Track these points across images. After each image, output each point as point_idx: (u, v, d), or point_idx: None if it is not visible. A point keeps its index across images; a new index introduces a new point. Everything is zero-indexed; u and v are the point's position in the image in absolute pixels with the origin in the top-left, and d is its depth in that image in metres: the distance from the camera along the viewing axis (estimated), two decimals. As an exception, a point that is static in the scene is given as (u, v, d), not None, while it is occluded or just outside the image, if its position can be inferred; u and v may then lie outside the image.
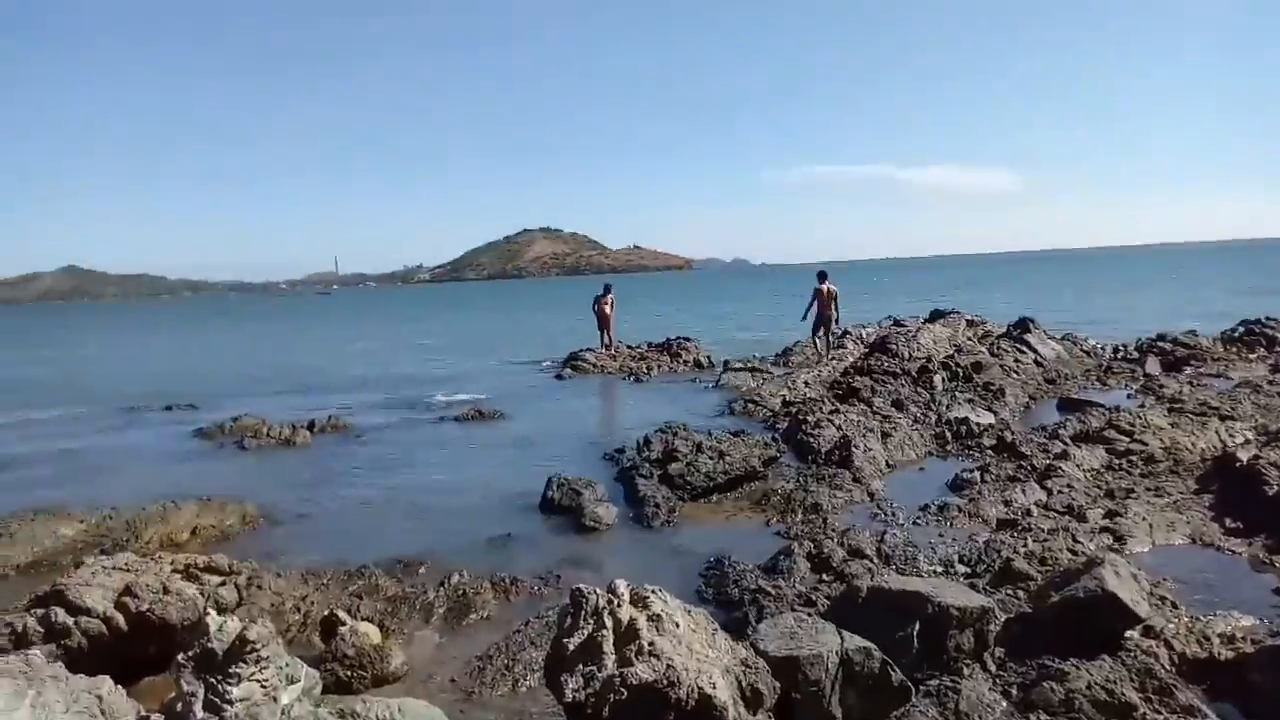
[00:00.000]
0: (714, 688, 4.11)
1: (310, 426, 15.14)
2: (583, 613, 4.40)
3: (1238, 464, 8.28)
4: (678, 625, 4.38)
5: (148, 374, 29.08)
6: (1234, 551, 6.91)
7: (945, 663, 4.97)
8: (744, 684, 4.32)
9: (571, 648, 4.30)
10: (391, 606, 6.94)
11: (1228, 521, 7.41)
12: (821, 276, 19.73)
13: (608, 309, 23.95)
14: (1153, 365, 17.30)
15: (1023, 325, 18.59)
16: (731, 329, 33.80)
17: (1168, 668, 4.82)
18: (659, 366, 21.87)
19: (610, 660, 4.20)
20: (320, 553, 8.35)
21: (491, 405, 16.61)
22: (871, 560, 7.13)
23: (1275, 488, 7.40)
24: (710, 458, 10.14)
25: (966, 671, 4.93)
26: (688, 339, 24.74)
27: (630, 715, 4.06)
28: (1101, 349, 20.08)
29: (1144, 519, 7.49)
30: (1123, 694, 4.44)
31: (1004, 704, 4.67)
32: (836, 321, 20.11)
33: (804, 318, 20.45)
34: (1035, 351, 17.32)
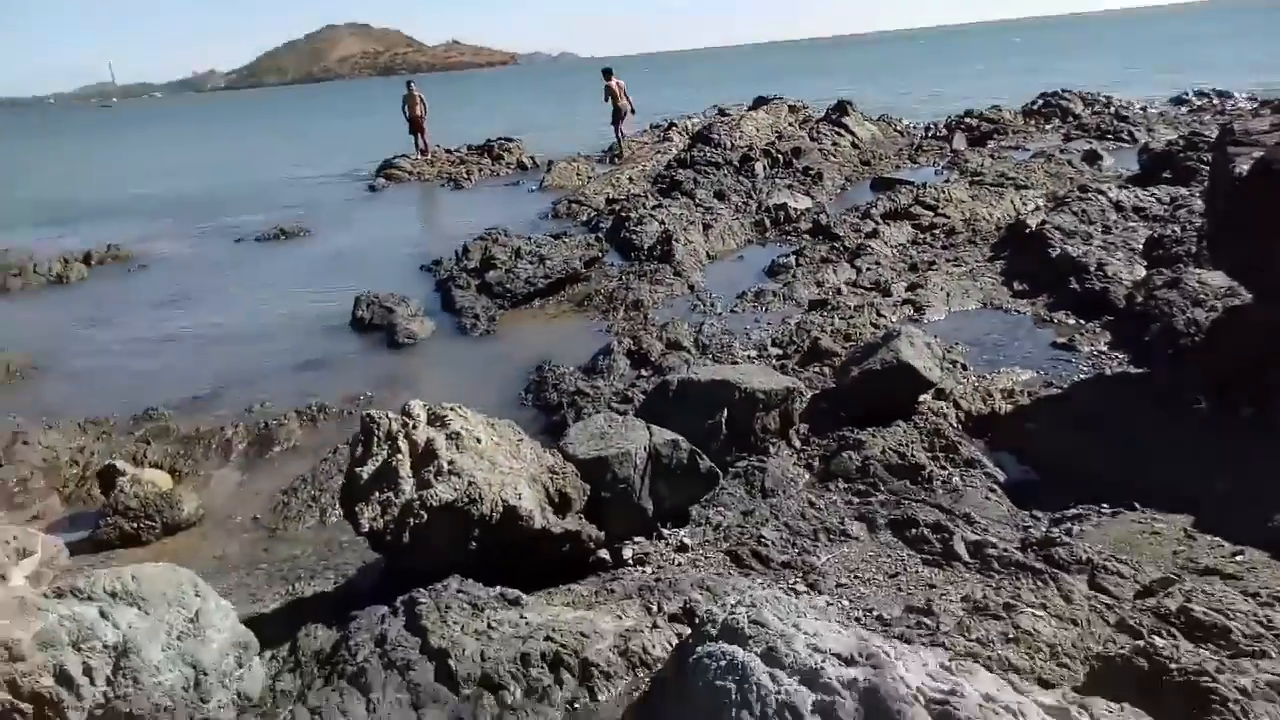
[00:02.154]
0: (519, 498, 3.99)
1: (86, 259, 13.54)
2: (375, 439, 4.11)
3: (1027, 230, 8.73)
4: (479, 441, 4.18)
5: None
6: (1019, 312, 7.38)
7: (753, 444, 5.08)
8: (551, 490, 4.22)
9: (365, 476, 4.03)
10: (185, 448, 6.42)
11: (1016, 285, 7.87)
12: (607, 74, 19.84)
13: (419, 110, 22.19)
14: (959, 141, 17.93)
15: (840, 108, 18.66)
16: (556, 127, 32.40)
17: (955, 426, 5.11)
18: (480, 170, 20.78)
19: (408, 484, 3.97)
20: (103, 399, 7.57)
21: (296, 222, 15.34)
22: (689, 352, 7.16)
23: (1058, 249, 7.87)
24: (530, 262, 9.77)
25: (773, 450, 5.06)
26: (510, 139, 23.50)
27: (434, 537, 3.90)
28: (914, 128, 20.59)
29: (942, 288, 7.83)
30: (912, 455, 4.67)
31: (807, 476, 4.85)
32: (632, 111, 20.12)
33: (605, 99, 20.10)
34: (852, 134, 17.52)
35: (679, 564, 4.17)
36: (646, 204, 12.30)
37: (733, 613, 2.58)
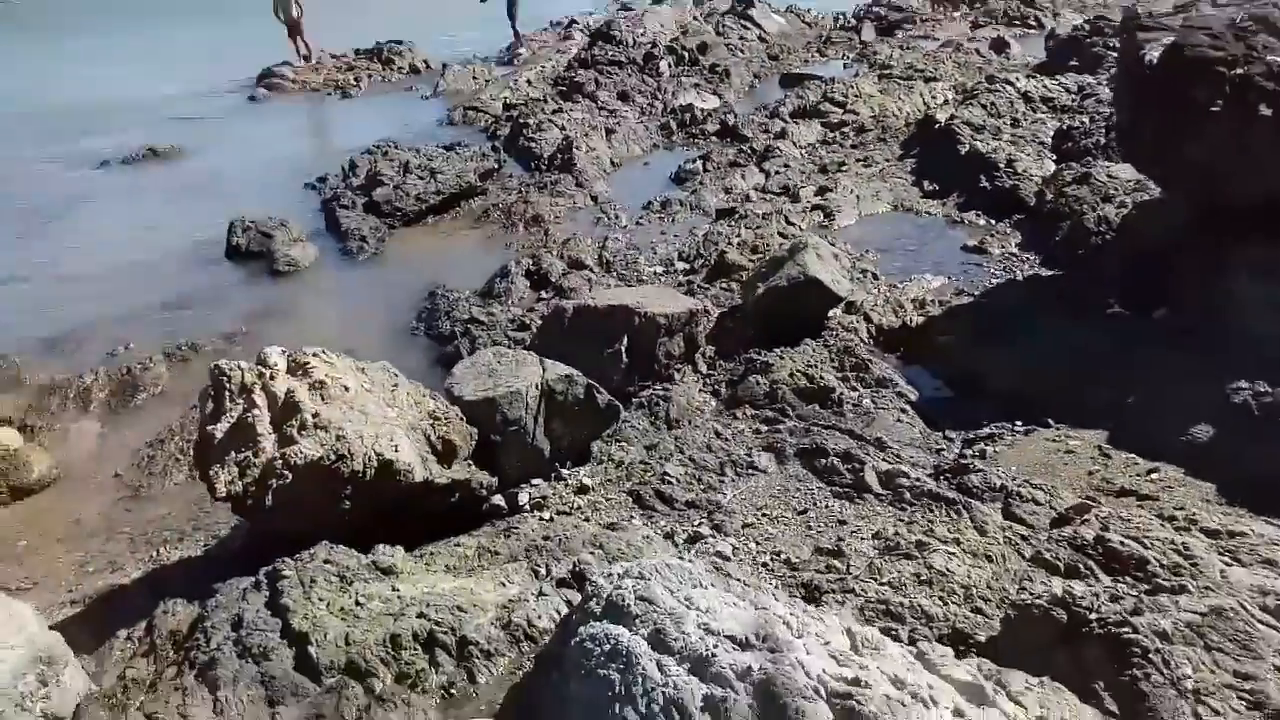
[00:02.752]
0: (395, 450, 3.61)
1: (-75, 191, 12.16)
2: (227, 393, 3.65)
3: (936, 125, 8.47)
4: (347, 389, 3.75)
5: None
6: (930, 214, 7.17)
7: (657, 371, 4.78)
8: (434, 438, 3.85)
9: (220, 435, 3.58)
10: (38, 399, 5.79)
11: (926, 184, 7.64)
12: None
13: (294, 12, 20.41)
14: (868, 32, 17.46)
15: (747, 0, 17.91)
16: (446, 24, 30.56)
17: (866, 342, 4.90)
18: (369, 77, 19.35)
19: (269, 442, 3.55)
20: (-59, 347, 6.79)
21: (169, 140, 14.04)
22: (592, 270, 6.76)
23: (967, 146, 7.64)
24: (420, 177, 9.10)
25: (678, 377, 4.78)
26: (400, 42, 21.93)
27: (302, 498, 3.51)
28: (822, 19, 19.98)
29: (851, 191, 7.56)
30: (821, 377, 4.44)
31: (714, 403, 4.59)
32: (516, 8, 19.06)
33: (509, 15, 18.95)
34: (759, 27, 16.87)
35: (579, 507, 3.89)
36: (546, 109, 11.60)
37: (619, 586, 2.29)
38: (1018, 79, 9.43)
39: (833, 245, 5.38)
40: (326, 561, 3.06)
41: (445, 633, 2.64)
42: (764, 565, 3.17)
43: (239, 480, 3.46)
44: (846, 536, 3.26)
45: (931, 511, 3.30)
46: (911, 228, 6.97)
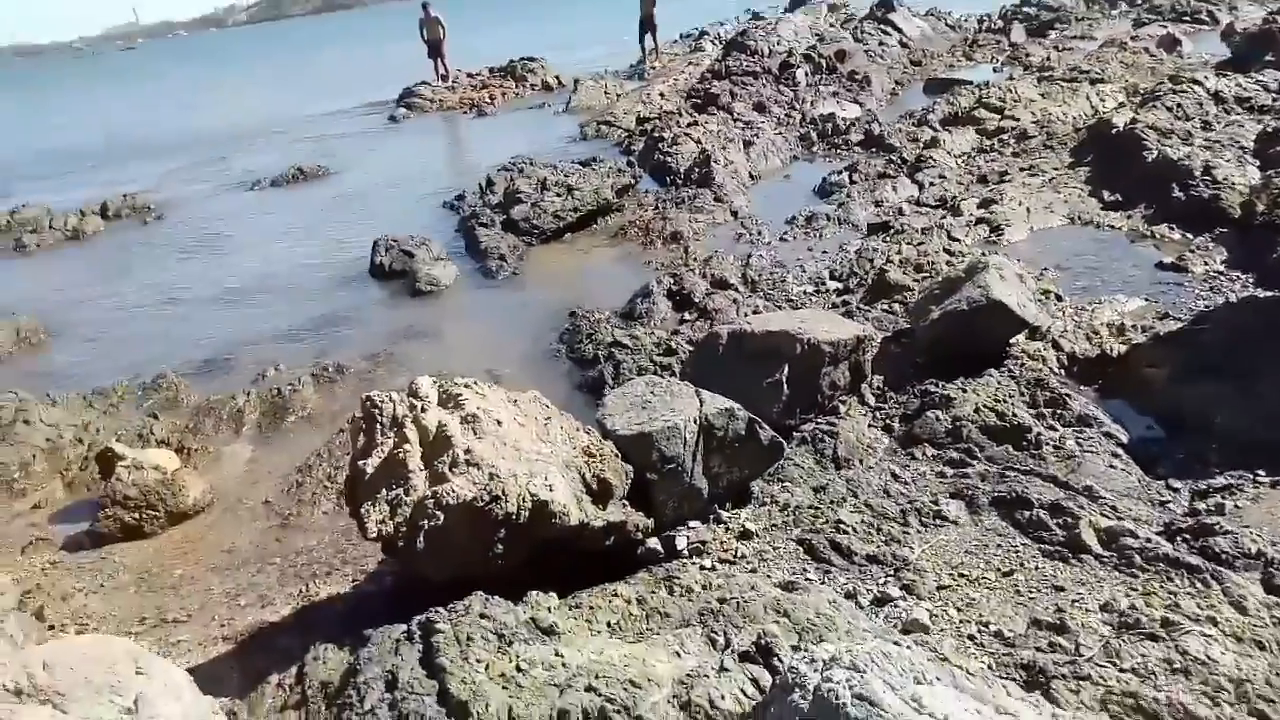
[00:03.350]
0: (550, 490, 3.37)
1: (102, 211, 13.02)
2: (378, 425, 3.50)
3: (1113, 130, 7.72)
4: (499, 423, 3.55)
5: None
6: (1113, 227, 6.48)
7: (820, 404, 4.39)
8: (589, 477, 3.60)
9: (370, 470, 3.44)
10: (194, 420, 5.92)
11: (1105, 195, 6.94)
12: None
13: (438, 33, 21.07)
14: (1018, 33, 16.48)
15: (886, 4, 17.25)
16: (582, 42, 30.96)
17: (1059, 374, 4.36)
18: (503, 94, 19.78)
19: (420, 479, 3.37)
20: (113, 365, 7.10)
21: (315, 161, 14.63)
22: (737, 289, 6.43)
23: (1154, 153, 6.89)
24: (558, 195, 9.01)
25: (844, 410, 4.37)
26: (534, 59, 22.30)
27: (453, 540, 3.32)
28: (966, 21, 19.07)
29: (1020, 204, 6.94)
30: (1014, 414, 3.95)
31: (886, 441, 4.16)
32: (656, 25, 18.97)
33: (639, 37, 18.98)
34: (900, 31, 16.20)
35: (743, 555, 3.55)
36: (680, 122, 11.37)
37: (828, 678, 1.94)
38: (1206, 78, 8.52)
39: (1015, 265, 4.84)
40: (483, 616, 2.84)
41: (618, 711, 2.35)
42: (969, 638, 2.74)
43: (390, 520, 3.29)
44: (1068, 607, 2.79)
45: (1170, 580, 2.79)
46: (1093, 243, 6.31)
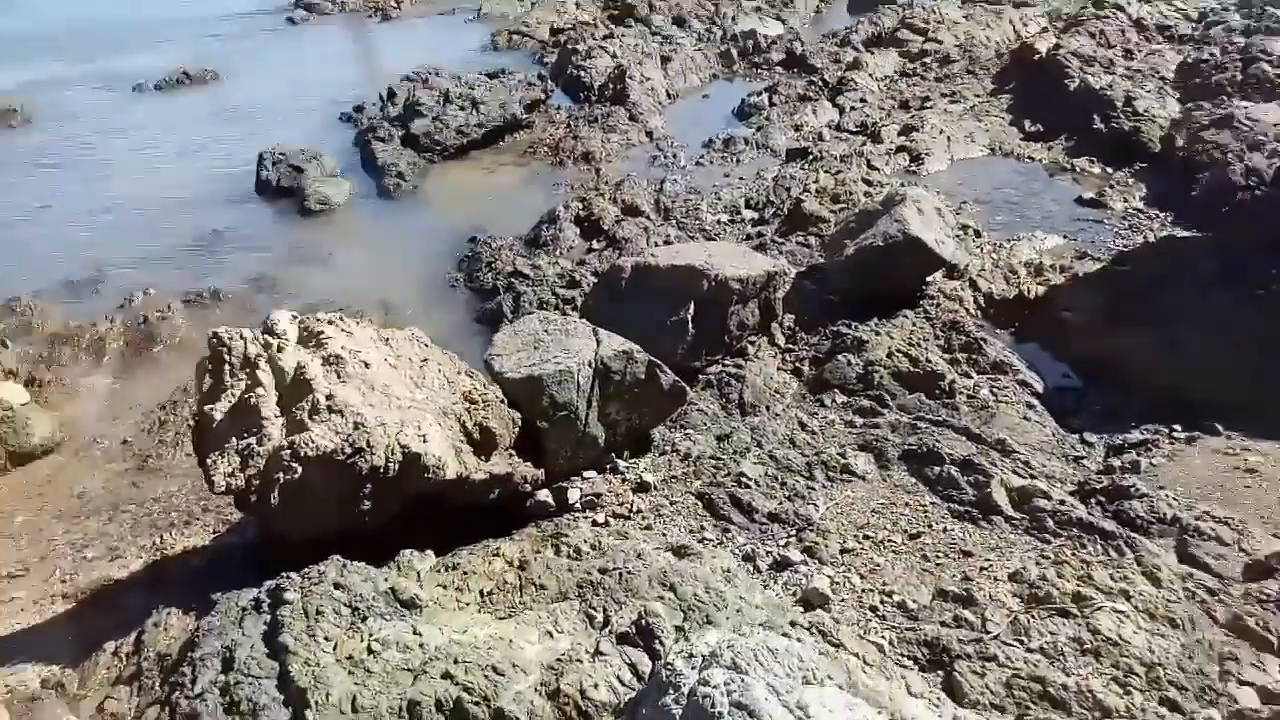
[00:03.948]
0: (424, 441, 3.03)
1: (-41, 113, 11.74)
2: (227, 366, 3.08)
3: (1036, 57, 7.51)
4: (367, 365, 3.16)
5: None
6: (1033, 159, 6.32)
7: (728, 344, 4.12)
8: (470, 424, 3.26)
9: (219, 416, 3.03)
10: (50, 349, 5.32)
11: (1027, 125, 6.76)
12: None
13: (340, -73, 19.46)
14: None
15: (815, -84, 16.55)
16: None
17: (974, 314, 4.18)
18: (412, -2, 18.49)
19: (275, 427, 2.98)
20: (-43, 285, 6.36)
21: (202, 64, 13.42)
22: (649, 217, 6.06)
23: (1076, 81, 6.71)
24: (462, 108, 8.39)
25: (752, 351, 4.12)
26: (445, -40, 20.91)
27: (313, 495, 2.96)
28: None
29: (941, 132, 6.71)
30: (927, 359, 3.75)
31: (795, 385, 3.94)
32: None
33: None
34: (828, -54, 15.58)
35: (639, 510, 3.30)
36: (596, 34, 10.75)
37: (706, 680, 1.69)
38: (1128, 3, 8.36)
39: (935, 198, 4.60)
40: (337, 586, 2.52)
41: (476, 702, 2.08)
42: (871, 609, 2.55)
43: (240, 472, 2.92)
44: (975, 575, 2.63)
45: (1083, 548, 2.65)
46: (1014, 175, 6.13)
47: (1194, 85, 6.31)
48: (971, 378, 3.65)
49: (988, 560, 2.68)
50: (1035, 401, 3.52)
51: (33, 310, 5.77)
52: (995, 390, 3.56)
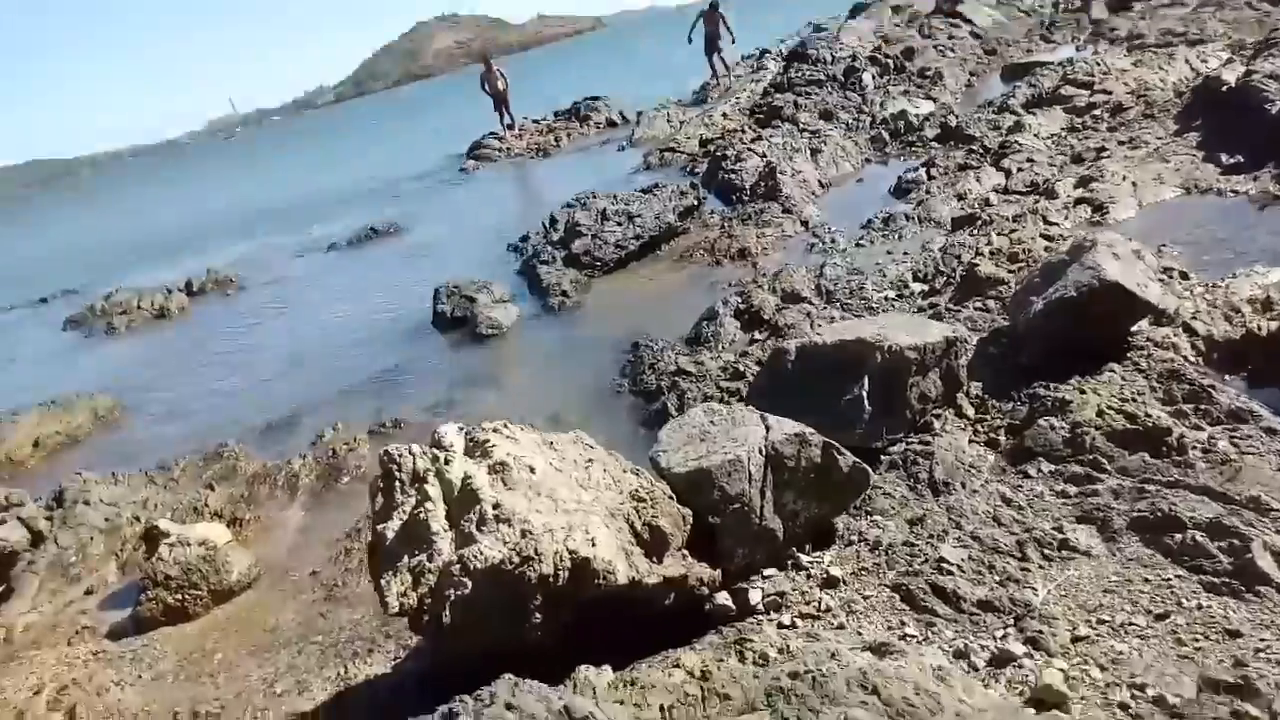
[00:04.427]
0: (592, 545, 2.90)
1: (187, 289, 13.38)
2: (398, 483, 3.11)
3: (1224, 88, 6.86)
4: (532, 470, 3.10)
5: (35, 261, 26.39)
6: (1237, 192, 5.66)
7: (910, 420, 3.79)
8: (639, 525, 3.11)
9: (391, 535, 3.04)
10: (249, 489, 5.70)
11: (1224, 158, 6.11)
12: (713, 6, 17.93)
13: (499, 85, 21.24)
14: (1098, 9, 15.42)
15: (952, -4, 16.45)
16: (644, 80, 31.01)
17: (1194, 361, 3.65)
18: (569, 135, 19.73)
19: (444, 541, 2.95)
20: (180, 438, 7.02)
21: (388, 220, 14.76)
22: (810, 301, 5.87)
23: (1277, 103, 6.03)
24: (618, 223, 8.65)
25: (938, 425, 3.77)
26: (597, 98, 22.29)
27: (484, 609, 2.87)
28: (1041, 5, 18.05)
29: (1124, 178, 6.17)
30: (1148, 414, 3.27)
31: (991, 458, 3.54)
32: (733, 41, 18.33)
33: (689, 39, 18.53)
34: (969, 22, 15.37)
35: (829, 609, 2.99)
36: (744, 138, 10.91)
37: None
38: (1327, 17, 7.56)
39: (1129, 242, 4.14)
40: (509, 707, 2.36)
41: (661, 833, 1.83)
42: (1122, 708, 2.12)
43: (412, 591, 2.88)
44: (1250, 659, 2.14)
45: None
46: (1217, 211, 5.51)
47: None
48: (1204, 430, 3.14)
49: (1262, 640, 2.18)
50: (1294, 451, 2.96)
51: (237, 454, 6.23)
52: (1236, 441, 3.02)
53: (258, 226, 20.00)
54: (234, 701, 3.61)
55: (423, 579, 2.90)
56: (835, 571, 3.17)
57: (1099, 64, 9.21)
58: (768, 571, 3.30)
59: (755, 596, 3.19)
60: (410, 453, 3.13)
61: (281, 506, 5.44)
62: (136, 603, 4.44)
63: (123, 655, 4.17)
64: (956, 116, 9.66)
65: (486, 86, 21.31)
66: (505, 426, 3.28)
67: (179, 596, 4.38)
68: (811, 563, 3.27)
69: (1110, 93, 8.50)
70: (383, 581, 2.94)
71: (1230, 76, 6.97)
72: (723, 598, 3.22)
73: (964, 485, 3.37)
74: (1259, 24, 9.96)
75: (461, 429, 3.27)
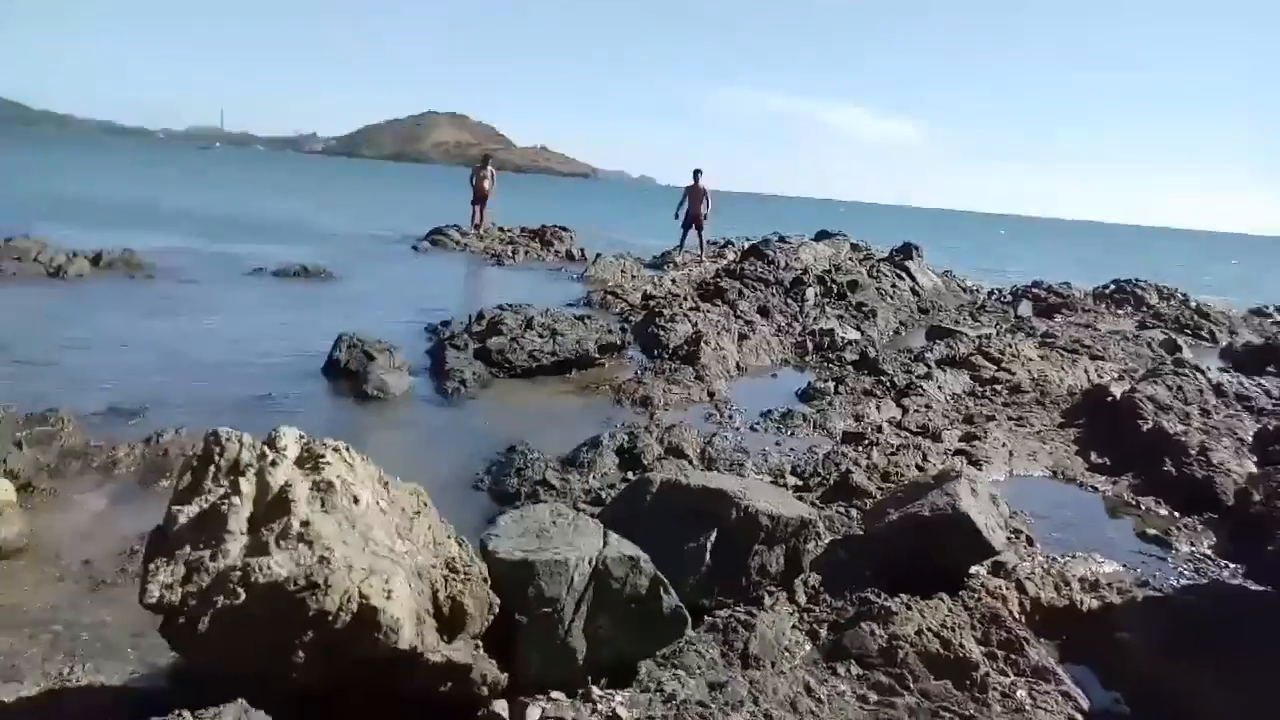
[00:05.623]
0: (387, 597, 2.73)
1: (96, 260, 12.84)
2: (212, 468, 2.92)
3: (1109, 398, 7.47)
4: (357, 501, 2.96)
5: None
6: (1097, 489, 6.05)
7: (744, 588, 3.77)
8: (442, 595, 2.96)
9: (182, 520, 2.82)
10: (60, 461, 5.27)
11: (1093, 456, 6.57)
12: (696, 175, 19.27)
13: (486, 184, 21.80)
14: (1025, 308, 16.86)
15: (905, 251, 17.80)
16: (616, 232, 32.20)
17: (1018, 616, 3.76)
18: (526, 252, 20.15)
19: (235, 545, 2.75)
20: (15, 392, 6.50)
21: (323, 264, 14.60)
22: (691, 461, 5.92)
23: (1149, 424, 6.58)
24: (540, 335, 8.71)
25: (769, 601, 3.75)
26: (565, 228, 22.98)
27: (249, 631, 2.64)
28: (978, 289, 19.63)
29: (1003, 445, 6.55)
30: (960, 645, 3.33)
31: (808, 648, 3.52)
32: (706, 217, 19.43)
33: (676, 215, 19.59)
34: (914, 279, 16.56)
35: (602, 746, 2.84)
36: (683, 305, 11.30)
37: None
38: (1209, 369, 8.40)
39: (990, 488, 4.35)
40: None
41: None
42: None
43: (180, 586, 2.64)
44: None
45: None
46: (1073, 499, 5.86)
47: (1272, 451, 6.08)
48: (1008, 676, 3.19)
49: None
50: (1079, 717, 3.02)
51: (63, 424, 5.78)
52: (1034, 694, 3.08)
53: (197, 228, 19.58)
54: (-72, 667, 3.18)
55: (196, 576, 2.67)
56: (622, 713, 3.04)
57: (1011, 346, 9.95)
58: (554, 693, 3.13)
59: (533, 714, 3.02)
60: (239, 441, 2.97)
61: (86, 489, 5.02)
62: (-120, 535, 3.97)
63: None
64: (876, 350, 10.21)
65: (474, 180, 21.84)
66: (347, 449, 3.15)
67: (-71, 539, 3.93)
68: (601, 698, 3.13)
69: (1014, 374, 9.14)
70: (151, 566, 2.70)
71: (1117, 391, 7.59)
72: (500, 706, 3.03)
73: (773, 665, 3.33)
74: (1151, 362, 10.97)
75: (301, 436, 3.13)
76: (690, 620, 3.38)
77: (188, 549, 2.74)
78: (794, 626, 3.63)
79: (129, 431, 5.92)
